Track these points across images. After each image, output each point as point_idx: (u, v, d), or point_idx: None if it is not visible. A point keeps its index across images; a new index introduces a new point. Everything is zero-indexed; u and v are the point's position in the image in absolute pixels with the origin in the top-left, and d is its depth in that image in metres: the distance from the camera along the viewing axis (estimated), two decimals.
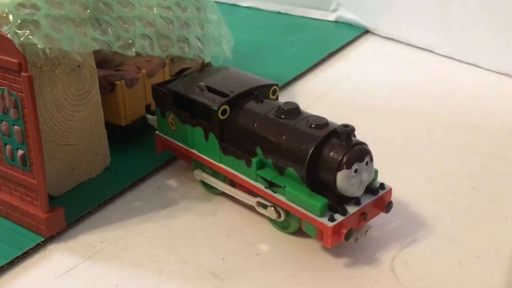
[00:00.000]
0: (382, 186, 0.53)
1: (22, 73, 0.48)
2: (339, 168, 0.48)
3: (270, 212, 0.53)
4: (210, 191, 0.60)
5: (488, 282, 0.49)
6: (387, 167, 0.65)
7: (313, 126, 0.51)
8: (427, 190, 0.61)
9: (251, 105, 0.55)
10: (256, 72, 0.88)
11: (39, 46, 0.48)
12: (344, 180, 0.48)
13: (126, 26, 0.55)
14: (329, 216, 0.48)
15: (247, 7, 1.18)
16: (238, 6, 1.19)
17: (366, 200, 0.51)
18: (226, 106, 0.55)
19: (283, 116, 0.53)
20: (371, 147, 0.68)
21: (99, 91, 0.60)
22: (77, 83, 0.58)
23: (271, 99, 0.58)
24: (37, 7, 0.50)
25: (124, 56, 0.68)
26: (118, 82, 0.64)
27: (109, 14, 0.55)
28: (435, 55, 0.95)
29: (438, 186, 0.62)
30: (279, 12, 1.15)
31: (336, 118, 0.75)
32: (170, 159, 0.65)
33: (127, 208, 0.58)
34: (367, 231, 0.53)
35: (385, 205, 0.52)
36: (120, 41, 0.54)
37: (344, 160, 0.48)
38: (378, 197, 0.52)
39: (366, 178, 0.49)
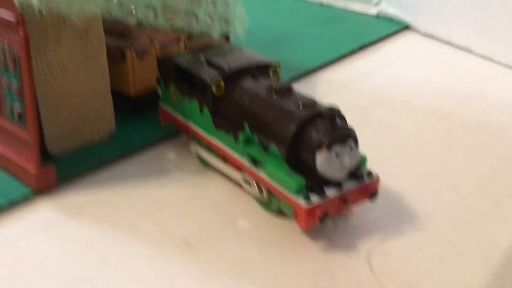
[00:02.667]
0: (369, 174, 0.51)
1: (19, 31, 0.50)
2: (319, 149, 0.47)
3: (253, 189, 0.53)
4: (204, 165, 0.60)
5: (467, 282, 0.46)
6: (391, 159, 0.63)
7: (300, 106, 0.50)
8: (427, 186, 0.58)
9: (247, 82, 0.55)
10: (281, 58, 0.87)
11: (35, 5, 0.49)
12: (323, 162, 0.47)
13: None
14: (306, 196, 0.47)
15: None
16: None
17: (349, 186, 0.49)
18: (220, 81, 0.55)
19: (274, 95, 0.52)
20: (381, 139, 0.67)
21: (106, 58, 0.61)
22: (83, 48, 0.59)
23: (272, 79, 0.57)
24: None
25: (141, 29, 0.69)
26: (128, 52, 0.65)
27: None
28: (473, 55, 0.91)
29: (440, 183, 0.59)
30: (321, 4, 1.14)
31: (351, 108, 0.73)
32: (174, 132, 0.65)
33: (120, 174, 0.59)
34: (347, 217, 0.51)
35: (369, 193, 0.50)
36: (122, 8, 0.55)
37: (325, 142, 0.47)
38: (363, 185, 0.50)
39: (347, 162, 0.48)
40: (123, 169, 0.60)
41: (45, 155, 0.59)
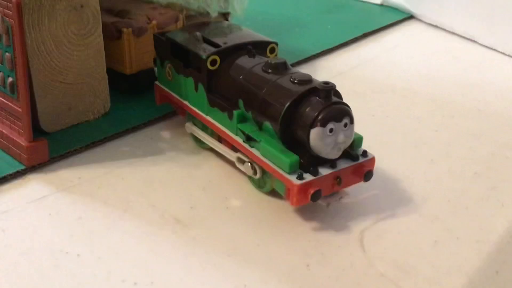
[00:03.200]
0: (364, 153, 0.50)
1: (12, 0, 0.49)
2: (313, 125, 0.46)
3: (246, 168, 0.52)
4: (199, 145, 0.59)
5: (460, 264, 0.45)
6: (390, 144, 0.62)
7: (295, 81, 0.49)
8: (425, 170, 0.57)
9: (242, 58, 0.54)
10: (283, 44, 0.87)
11: None
12: (317, 138, 0.46)
13: None
14: (298, 174, 0.46)
15: None
16: None
17: (343, 165, 0.48)
18: (215, 56, 0.54)
19: (269, 71, 0.51)
20: (380, 124, 0.66)
21: (102, 34, 0.61)
22: (78, 22, 0.58)
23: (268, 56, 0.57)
24: None
25: (140, 8, 0.69)
26: (125, 29, 0.64)
27: None
28: (478, 45, 0.90)
29: (438, 168, 0.58)
30: None
31: (351, 94, 0.73)
32: (170, 111, 0.65)
33: (114, 152, 0.59)
34: (341, 197, 0.50)
35: (364, 173, 0.49)
36: None
37: (319, 118, 0.46)
38: (357, 164, 0.49)
39: (342, 140, 0.47)
40: (117, 147, 0.60)
41: (39, 132, 0.59)
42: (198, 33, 0.57)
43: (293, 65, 0.81)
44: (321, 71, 0.80)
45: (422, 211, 0.51)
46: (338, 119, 0.46)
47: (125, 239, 0.47)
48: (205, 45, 0.55)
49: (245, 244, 0.47)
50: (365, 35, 0.92)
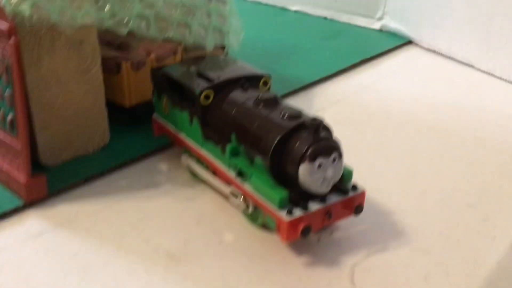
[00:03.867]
0: (354, 187, 0.51)
1: (10, 40, 0.51)
2: (301, 161, 0.47)
3: (239, 202, 0.53)
4: (195, 178, 0.60)
5: None
6: (384, 174, 0.63)
7: (285, 117, 0.50)
8: (417, 202, 0.58)
9: (235, 93, 0.55)
10: (281, 72, 0.89)
11: (25, 14, 0.50)
12: (306, 174, 0.47)
13: (124, 5, 0.56)
14: (288, 209, 0.47)
15: (295, 11, 1.18)
16: (287, 9, 1.19)
17: (333, 199, 0.49)
18: (209, 91, 0.55)
19: (261, 105, 0.52)
20: (374, 153, 0.67)
21: (101, 69, 0.62)
22: (78, 58, 0.60)
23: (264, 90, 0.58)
24: None
25: (141, 41, 0.70)
26: (123, 64, 0.65)
27: None
28: (475, 70, 0.91)
29: (431, 199, 0.58)
30: (325, 18, 1.14)
31: (347, 122, 0.74)
32: (167, 143, 0.66)
33: (112, 186, 0.60)
34: (332, 231, 0.51)
35: (354, 207, 0.50)
36: (115, 18, 0.55)
37: (308, 153, 0.47)
38: (347, 198, 0.50)
39: (331, 175, 0.48)
40: (114, 180, 0.61)
41: (39, 166, 0.60)
42: (193, 68, 0.58)
43: (291, 93, 0.82)
44: (318, 98, 0.81)
45: (413, 245, 0.52)
46: (326, 155, 0.47)
47: (118, 276, 0.48)
48: (199, 80, 0.57)
49: (236, 280, 0.47)
50: (363, 62, 0.93)
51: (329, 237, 0.50)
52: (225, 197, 0.56)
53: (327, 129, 0.50)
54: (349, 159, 0.64)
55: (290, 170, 0.48)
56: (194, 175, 0.60)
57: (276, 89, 0.82)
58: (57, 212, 0.55)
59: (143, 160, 0.64)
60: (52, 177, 0.59)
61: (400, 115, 0.76)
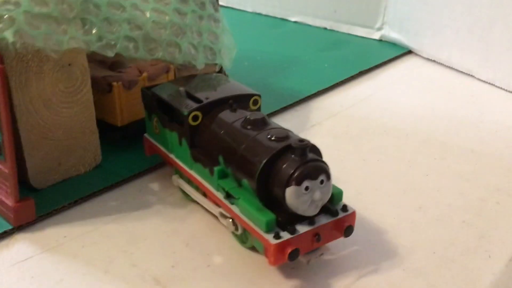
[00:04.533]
0: (344, 208, 0.50)
1: None
2: (288, 184, 0.46)
3: (228, 224, 0.52)
4: (187, 198, 0.60)
5: None
6: (379, 190, 0.62)
7: (272, 138, 0.49)
8: (412, 219, 0.57)
9: (224, 113, 0.54)
10: (278, 84, 0.88)
11: (9, 40, 0.50)
12: (293, 197, 0.46)
13: (111, 27, 0.56)
14: (275, 233, 0.46)
15: (295, 22, 1.17)
16: (287, 20, 1.19)
17: (322, 221, 0.48)
18: (197, 112, 0.54)
19: (248, 127, 0.51)
20: (370, 169, 0.66)
21: (90, 90, 0.62)
22: (67, 80, 0.59)
23: (252, 110, 0.57)
24: (19, 4, 0.52)
25: (134, 60, 0.70)
26: (115, 83, 0.65)
27: (96, 15, 0.56)
28: (475, 80, 0.90)
29: (426, 216, 0.57)
30: (325, 28, 1.13)
31: (343, 136, 0.73)
32: (159, 163, 0.65)
33: (102, 207, 0.59)
34: (322, 254, 0.49)
35: (344, 229, 0.49)
36: (102, 41, 0.55)
37: (294, 176, 0.46)
38: (337, 220, 0.49)
39: (319, 197, 0.46)
40: (104, 201, 0.60)
41: (29, 189, 0.60)
42: (181, 88, 0.58)
43: (288, 107, 0.81)
44: (315, 112, 0.80)
45: (406, 265, 0.51)
46: (313, 177, 0.46)
47: None
48: (187, 101, 0.56)
49: None
50: (361, 73, 0.92)
51: (319, 259, 0.49)
52: (216, 217, 0.55)
53: (315, 150, 0.49)
54: (343, 174, 0.64)
55: (277, 193, 0.47)
56: (186, 195, 0.59)
57: (272, 103, 0.82)
58: (45, 236, 0.55)
59: (135, 180, 0.64)
60: (42, 200, 0.59)
61: (397, 128, 0.75)
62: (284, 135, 0.49)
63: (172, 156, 0.59)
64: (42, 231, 0.56)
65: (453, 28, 0.92)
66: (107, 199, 0.61)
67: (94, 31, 0.55)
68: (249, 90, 0.59)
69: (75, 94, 0.60)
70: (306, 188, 0.46)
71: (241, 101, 0.56)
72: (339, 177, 0.64)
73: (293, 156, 0.47)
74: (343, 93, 0.86)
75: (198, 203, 0.58)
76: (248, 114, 0.52)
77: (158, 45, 0.59)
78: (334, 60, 0.98)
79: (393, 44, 1.04)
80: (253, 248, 0.52)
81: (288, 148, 0.48)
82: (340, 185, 0.62)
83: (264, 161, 0.47)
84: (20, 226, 0.56)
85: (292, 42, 1.07)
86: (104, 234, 0.55)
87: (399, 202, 0.60)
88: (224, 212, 0.53)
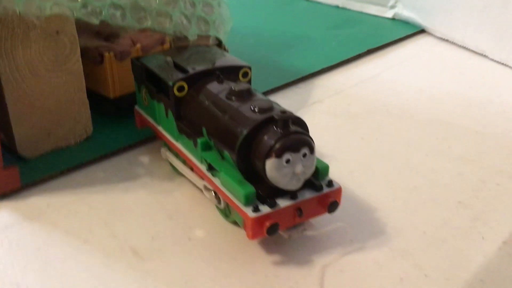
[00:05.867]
0: (330, 183, 0.48)
1: None
2: (268, 156, 0.44)
3: (211, 197, 0.50)
4: (175, 171, 0.58)
5: None
6: (374, 169, 0.60)
7: (256, 110, 0.47)
8: (405, 199, 0.55)
9: (210, 85, 0.53)
10: (285, 61, 0.86)
11: None
12: (273, 170, 0.44)
13: None
14: (254, 206, 0.45)
15: (307, 0, 1.14)
16: None
17: (304, 196, 0.46)
18: (182, 83, 0.53)
19: (233, 98, 0.50)
20: (367, 148, 0.64)
21: (80, 59, 0.61)
22: (55, 49, 0.58)
23: (242, 81, 0.55)
24: None
25: (128, 30, 0.68)
26: (106, 54, 0.64)
27: None
28: (488, 60, 0.86)
29: (420, 196, 0.55)
30: (337, 6, 1.10)
31: (344, 114, 0.71)
32: (151, 135, 0.64)
33: (89, 178, 0.58)
34: (304, 229, 0.48)
35: (328, 205, 0.47)
36: (87, 8, 0.54)
37: (275, 148, 0.44)
38: (321, 195, 0.47)
39: (300, 170, 0.45)
40: (93, 172, 0.59)
41: (18, 157, 0.59)
42: (169, 59, 0.56)
43: (290, 83, 0.79)
44: (317, 90, 0.78)
45: (393, 244, 0.49)
46: (295, 150, 0.44)
47: (78, 271, 0.46)
48: (174, 71, 0.54)
49: (199, 278, 0.45)
50: (370, 51, 0.90)
51: (301, 235, 0.48)
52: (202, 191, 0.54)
53: (300, 123, 0.47)
54: (339, 152, 0.62)
55: (258, 165, 0.45)
56: (175, 168, 0.58)
57: (274, 79, 0.80)
58: (28, 204, 0.54)
59: (125, 152, 0.63)
60: (30, 169, 0.58)
61: (400, 108, 0.72)
62: (268, 107, 0.47)
63: (160, 128, 0.57)
64: (26, 200, 0.55)
65: (467, 7, 0.88)
66: (96, 170, 0.60)
67: None
68: (239, 61, 0.57)
69: (63, 63, 0.59)
70: (287, 161, 0.44)
71: (230, 73, 0.55)
72: (334, 154, 0.62)
73: (275, 127, 0.45)
74: (348, 71, 0.84)
75: (186, 177, 0.57)
76: (233, 85, 0.51)
77: (147, 14, 0.58)
78: (343, 38, 0.95)
79: (406, 23, 1.00)
80: (236, 222, 0.50)
81: (271, 120, 0.46)
82: (334, 163, 0.60)
83: (245, 133, 0.45)
84: (4, 194, 0.55)
85: (302, 20, 1.05)
86: (88, 204, 0.54)
87: (393, 181, 0.57)
88: (207, 185, 0.51)
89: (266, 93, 0.76)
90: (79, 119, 0.63)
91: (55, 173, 0.58)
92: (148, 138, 0.64)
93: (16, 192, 0.56)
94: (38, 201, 0.55)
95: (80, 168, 0.60)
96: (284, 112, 0.45)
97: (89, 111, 0.63)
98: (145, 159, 0.61)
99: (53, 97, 0.60)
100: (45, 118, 0.60)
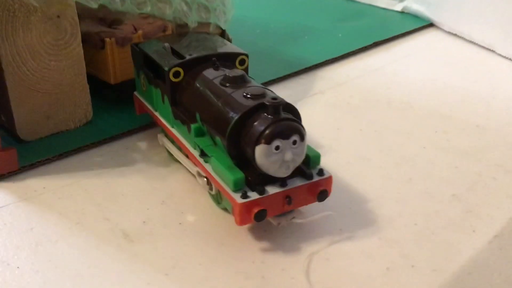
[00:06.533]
0: (320, 172, 0.48)
1: None
2: (257, 142, 0.44)
3: (203, 182, 0.51)
4: (171, 157, 0.59)
5: None
6: (371, 161, 0.60)
7: (248, 96, 0.47)
8: (399, 191, 0.54)
9: (206, 71, 0.53)
10: (290, 52, 0.86)
11: None
12: (262, 156, 0.44)
13: None
14: (243, 192, 0.45)
15: None
16: None
17: (294, 184, 0.46)
18: (178, 68, 0.53)
19: (227, 84, 0.50)
20: (366, 140, 0.63)
21: (81, 44, 0.61)
22: (55, 33, 0.59)
23: (238, 69, 0.55)
24: None
25: (132, 16, 0.68)
26: (107, 39, 0.64)
27: None
28: (496, 55, 0.85)
29: (414, 188, 0.55)
30: None
31: (344, 106, 0.71)
32: (150, 121, 0.64)
33: (86, 162, 0.59)
34: (294, 217, 0.48)
35: (317, 193, 0.47)
36: None
37: (264, 134, 0.44)
38: (311, 183, 0.47)
39: (290, 158, 0.45)
40: (90, 156, 0.60)
41: (17, 139, 0.60)
42: (167, 44, 0.56)
43: (293, 74, 0.79)
44: (320, 81, 0.77)
45: (382, 234, 0.48)
46: (285, 136, 0.44)
47: (68, 252, 0.47)
48: (171, 57, 0.55)
49: (186, 262, 0.46)
50: (377, 45, 0.89)
51: (290, 223, 0.48)
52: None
53: (292, 111, 0.47)
54: (336, 143, 0.62)
55: (248, 152, 0.45)
56: (171, 154, 0.58)
57: (277, 70, 0.80)
58: (25, 186, 0.55)
59: (124, 137, 0.63)
60: (28, 151, 0.59)
61: (402, 101, 0.72)
62: (260, 93, 0.47)
63: (157, 114, 0.58)
64: (23, 181, 0.56)
65: (475, 1, 0.87)
66: (93, 154, 0.60)
67: None
68: (237, 49, 0.57)
69: (64, 47, 0.60)
70: (277, 148, 0.44)
71: (227, 60, 0.55)
72: (332, 145, 0.62)
73: (266, 114, 0.45)
74: (353, 63, 0.83)
75: (181, 163, 0.57)
76: (227, 71, 0.51)
77: None
78: (351, 30, 0.95)
79: (414, 16, 0.99)
80: (227, 209, 0.51)
81: (262, 106, 0.46)
82: (331, 153, 0.60)
83: (236, 118, 0.46)
84: (2, 175, 0.56)
85: (311, 12, 1.04)
86: (83, 187, 0.55)
87: (389, 173, 0.57)
88: (200, 172, 0.51)
89: (269, 83, 0.76)
90: (79, 104, 0.63)
91: (53, 156, 0.59)
92: (147, 124, 0.64)
93: (14, 174, 0.56)
94: (35, 183, 0.55)
95: (78, 152, 0.60)
96: (275, 98, 0.45)
97: (89, 96, 0.64)
98: (142, 144, 0.62)
99: (53, 81, 0.60)
100: (45, 102, 0.61)
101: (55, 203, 0.52)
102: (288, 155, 0.45)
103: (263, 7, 1.07)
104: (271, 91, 0.49)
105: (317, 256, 0.46)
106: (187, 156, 0.54)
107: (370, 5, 1.06)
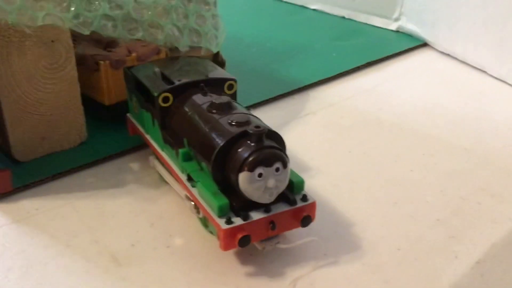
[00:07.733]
0: (304, 197, 0.49)
1: None
2: (241, 169, 0.45)
3: (190, 207, 0.52)
4: (162, 179, 0.60)
5: None
6: (358, 184, 0.61)
7: (233, 123, 0.48)
8: (384, 214, 0.55)
9: (195, 96, 0.54)
10: (281, 70, 0.87)
11: None
12: (245, 183, 0.45)
13: (90, 5, 0.56)
14: (227, 218, 0.46)
15: (314, 10, 1.16)
16: (306, 8, 1.17)
17: (278, 209, 0.47)
18: (167, 94, 0.54)
19: (214, 110, 0.51)
20: (353, 161, 0.64)
21: (75, 67, 0.62)
22: (50, 57, 0.60)
23: (226, 94, 0.56)
24: None
25: (125, 40, 0.70)
26: (101, 62, 0.65)
27: None
28: (487, 76, 0.86)
29: (399, 212, 0.56)
30: (343, 17, 1.11)
31: (334, 127, 0.72)
32: (143, 143, 0.65)
33: (79, 183, 0.60)
34: (278, 242, 0.49)
35: (301, 219, 0.48)
36: (79, 19, 0.55)
37: (247, 162, 0.45)
38: (294, 209, 0.48)
39: (273, 185, 0.46)
40: (83, 178, 0.61)
41: (12, 160, 0.61)
42: (157, 69, 0.58)
43: (286, 94, 0.80)
44: (312, 102, 0.79)
45: (366, 260, 0.49)
46: (268, 164, 0.45)
47: (57, 275, 0.48)
48: (160, 82, 0.56)
49: (173, 286, 0.47)
50: (371, 64, 0.90)
51: (274, 247, 0.49)
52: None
53: (276, 138, 0.48)
54: (325, 165, 0.63)
55: (232, 178, 0.47)
56: (161, 176, 0.60)
57: (270, 90, 0.81)
58: (18, 207, 0.56)
59: (117, 158, 0.64)
60: (23, 172, 0.60)
61: (393, 122, 0.73)
62: (245, 120, 0.48)
63: (147, 136, 0.59)
64: (16, 203, 0.57)
65: (469, 21, 0.89)
66: (86, 175, 0.61)
67: (72, 9, 0.55)
68: (225, 74, 0.58)
69: (59, 70, 0.61)
70: (260, 175, 0.45)
71: (215, 85, 0.56)
72: (319, 167, 0.63)
73: (249, 142, 0.46)
74: (345, 83, 0.84)
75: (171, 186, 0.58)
76: (214, 98, 0.52)
77: (138, 25, 0.59)
78: (346, 49, 0.96)
79: (409, 36, 1.01)
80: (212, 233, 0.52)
81: (246, 134, 0.47)
82: (319, 176, 0.61)
83: (220, 146, 0.47)
84: None
85: (307, 30, 1.06)
86: (75, 209, 0.56)
87: (375, 196, 0.58)
88: (188, 195, 0.52)
89: (260, 104, 0.77)
90: (74, 125, 0.65)
91: (46, 177, 0.60)
92: (140, 145, 0.65)
93: (7, 195, 0.58)
94: (27, 204, 0.57)
95: (71, 173, 0.62)
96: (258, 126, 0.46)
97: (83, 118, 0.65)
98: (135, 166, 0.63)
99: (48, 104, 0.62)
100: (40, 123, 0.62)
101: (47, 225, 0.54)
102: (271, 182, 0.46)
103: (261, 25, 1.08)
104: (257, 118, 0.50)
105: (301, 281, 0.47)
106: (176, 179, 0.56)
107: (366, 23, 1.08)
